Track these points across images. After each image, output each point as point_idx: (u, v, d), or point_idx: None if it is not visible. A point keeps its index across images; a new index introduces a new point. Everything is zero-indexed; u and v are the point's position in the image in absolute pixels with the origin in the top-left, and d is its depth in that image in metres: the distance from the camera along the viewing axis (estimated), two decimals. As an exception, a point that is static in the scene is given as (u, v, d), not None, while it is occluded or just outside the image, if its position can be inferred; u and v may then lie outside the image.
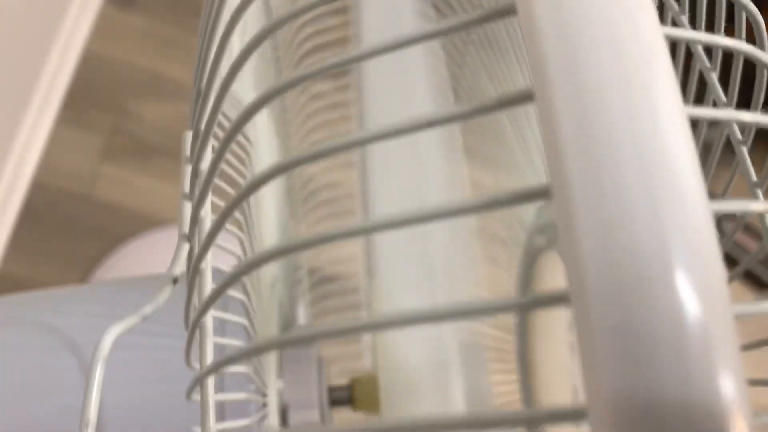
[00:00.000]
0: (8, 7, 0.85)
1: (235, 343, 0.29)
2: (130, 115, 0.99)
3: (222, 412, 0.33)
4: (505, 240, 0.50)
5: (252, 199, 0.31)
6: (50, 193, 0.95)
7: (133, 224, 0.94)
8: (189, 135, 0.25)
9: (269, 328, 0.36)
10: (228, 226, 0.26)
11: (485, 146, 0.48)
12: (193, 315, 0.19)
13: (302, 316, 0.55)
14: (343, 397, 0.41)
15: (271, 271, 0.40)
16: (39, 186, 0.95)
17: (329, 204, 0.60)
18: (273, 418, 0.35)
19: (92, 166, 0.97)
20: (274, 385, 0.35)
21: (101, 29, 1.03)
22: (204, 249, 0.18)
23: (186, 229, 0.21)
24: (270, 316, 0.37)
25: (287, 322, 0.42)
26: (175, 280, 0.22)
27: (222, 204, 0.23)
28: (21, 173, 0.93)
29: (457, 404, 0.37)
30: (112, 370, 0.35)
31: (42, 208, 0.94)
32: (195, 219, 0.20)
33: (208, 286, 0.19)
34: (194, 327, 0.19)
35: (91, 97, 1.00)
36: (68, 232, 0.94)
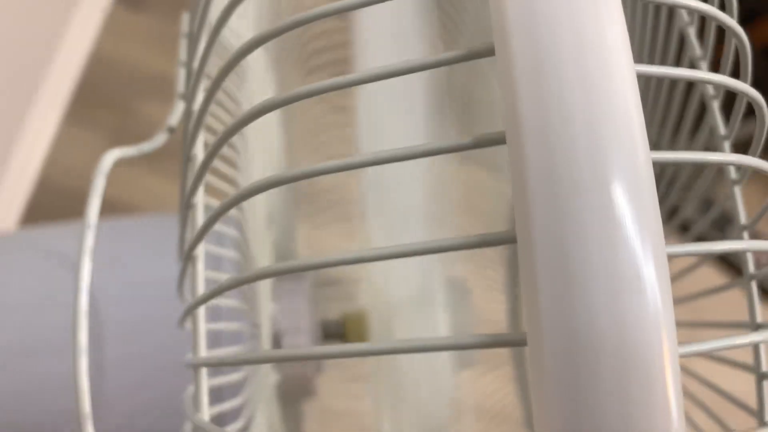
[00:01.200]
0: (18, 6, 0.85)
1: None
2: (136, 115, 0.99)
3: (218, 341, 0.35)
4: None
5: (244, 136, 0.32)
6: (55, 190, 0.94)
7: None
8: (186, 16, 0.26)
9: (263, 264, 0.38)
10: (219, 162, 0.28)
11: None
12: (185, 247, 0.21)
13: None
14: (335, 331, 0.43)
15: (266, 210, 0.41)
16: (44, 183, 0.94)
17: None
18: (265, 344, 0.37)
19: (98, 164, 0.97)
20: (266, 311, 0.37)
21: (110, 29, 1.02)
22: (196, 183, 0.20)
23: (181, 88, 0.22)
24: (264, 252, 0.38)
25: (280, 250, 0.44)
26: (171, 130, 0.23)
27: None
28: (27, 170, 0.93)
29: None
30: (115, 289, 0.37)
31: (47, 205, 0.95)
32: (188, 157, 0.21)
33: (200, 221, 0.21)
34: (187, 259, 0.21)
35: (97, 96, 0.99)
36: (73, 229, 0.95)
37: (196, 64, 0.22)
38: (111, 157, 0.22)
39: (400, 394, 0.40)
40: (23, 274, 0.36)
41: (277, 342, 0.39)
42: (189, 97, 0.21)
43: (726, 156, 0.17)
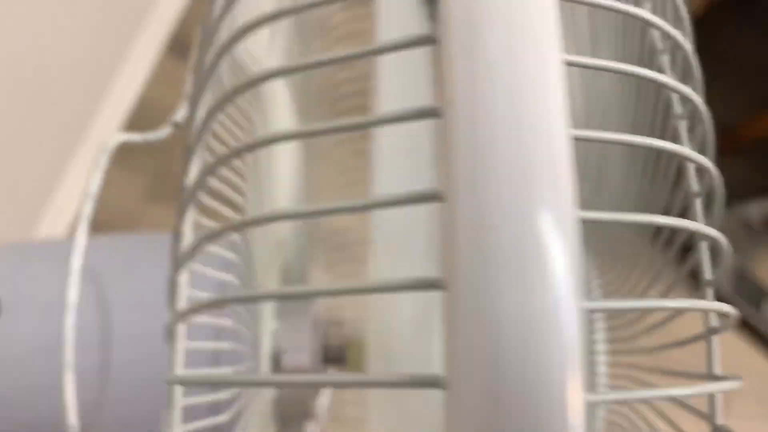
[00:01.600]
0: (74, 49, 0.92)
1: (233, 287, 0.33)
2: (177, 160, 1.04)
3: (217, 360, 0.36)
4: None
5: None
6: (97, 229, 0.98)
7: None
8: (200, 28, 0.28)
9: (268, 278, 0.39)
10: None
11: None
12: (172, 263, 0.22)
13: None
14: (337, 356, 0.44)
15: (279, 233, 0.43)
16: (86, 221, 1.00)
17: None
18: (264, 363, 0.38)
19: (138, 205, 1.01)
20: (268, 329, 0.38)
21: (158, 76, 1.09)
22: (183, 210, 0.21)
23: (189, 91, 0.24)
24: (271, 267, 0.40)
25: (289, 276, 0.45)
26: (175, 124, 0.26)
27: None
28: (68, 208, 0.98)
29: (438, 370, 0.40)
30: (124, 295, 0.39)
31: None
32: (183, 187, 0.23)
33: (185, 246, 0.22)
34: (173, 285, 0.22)
35: (141, 140, 1.06)
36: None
37: (204, 65, 0.24)
38: (116, 138, 0.24)
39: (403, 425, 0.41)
40: (43, 278, 0.38)
41: (276, 360, 0.40)
42: (193, 101, 0.23)
43: (681, 148, 0.18)
